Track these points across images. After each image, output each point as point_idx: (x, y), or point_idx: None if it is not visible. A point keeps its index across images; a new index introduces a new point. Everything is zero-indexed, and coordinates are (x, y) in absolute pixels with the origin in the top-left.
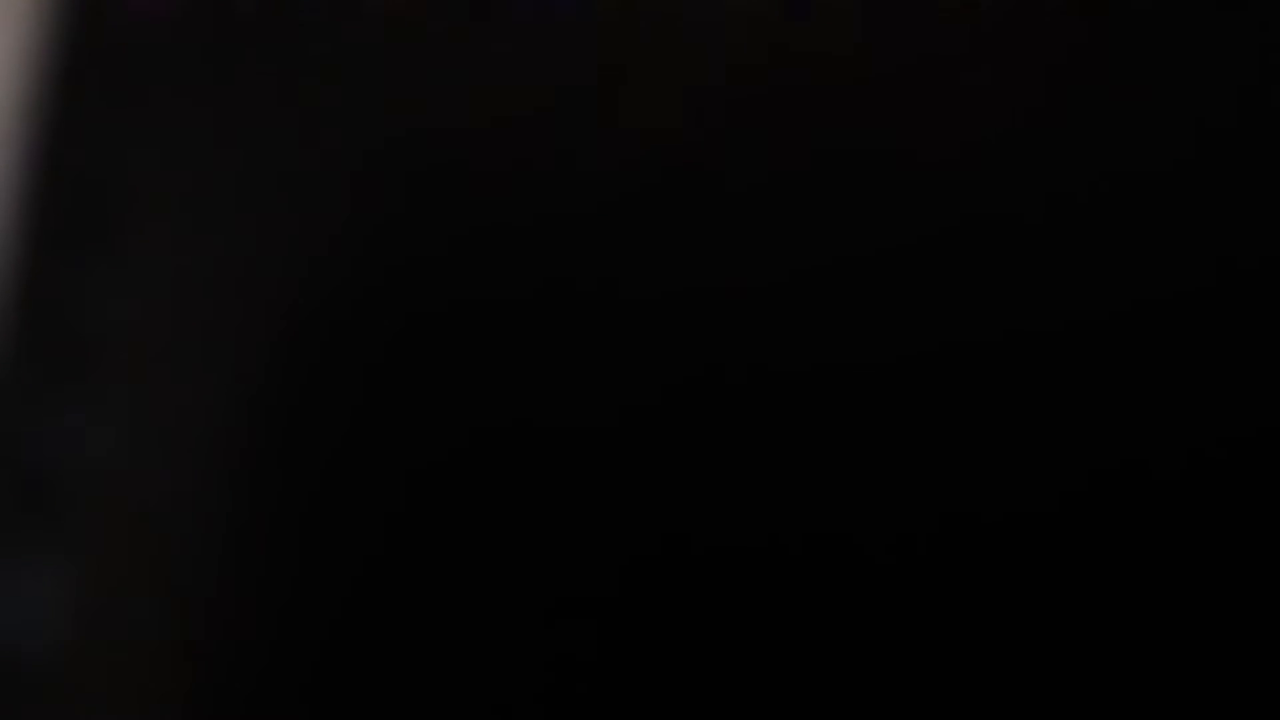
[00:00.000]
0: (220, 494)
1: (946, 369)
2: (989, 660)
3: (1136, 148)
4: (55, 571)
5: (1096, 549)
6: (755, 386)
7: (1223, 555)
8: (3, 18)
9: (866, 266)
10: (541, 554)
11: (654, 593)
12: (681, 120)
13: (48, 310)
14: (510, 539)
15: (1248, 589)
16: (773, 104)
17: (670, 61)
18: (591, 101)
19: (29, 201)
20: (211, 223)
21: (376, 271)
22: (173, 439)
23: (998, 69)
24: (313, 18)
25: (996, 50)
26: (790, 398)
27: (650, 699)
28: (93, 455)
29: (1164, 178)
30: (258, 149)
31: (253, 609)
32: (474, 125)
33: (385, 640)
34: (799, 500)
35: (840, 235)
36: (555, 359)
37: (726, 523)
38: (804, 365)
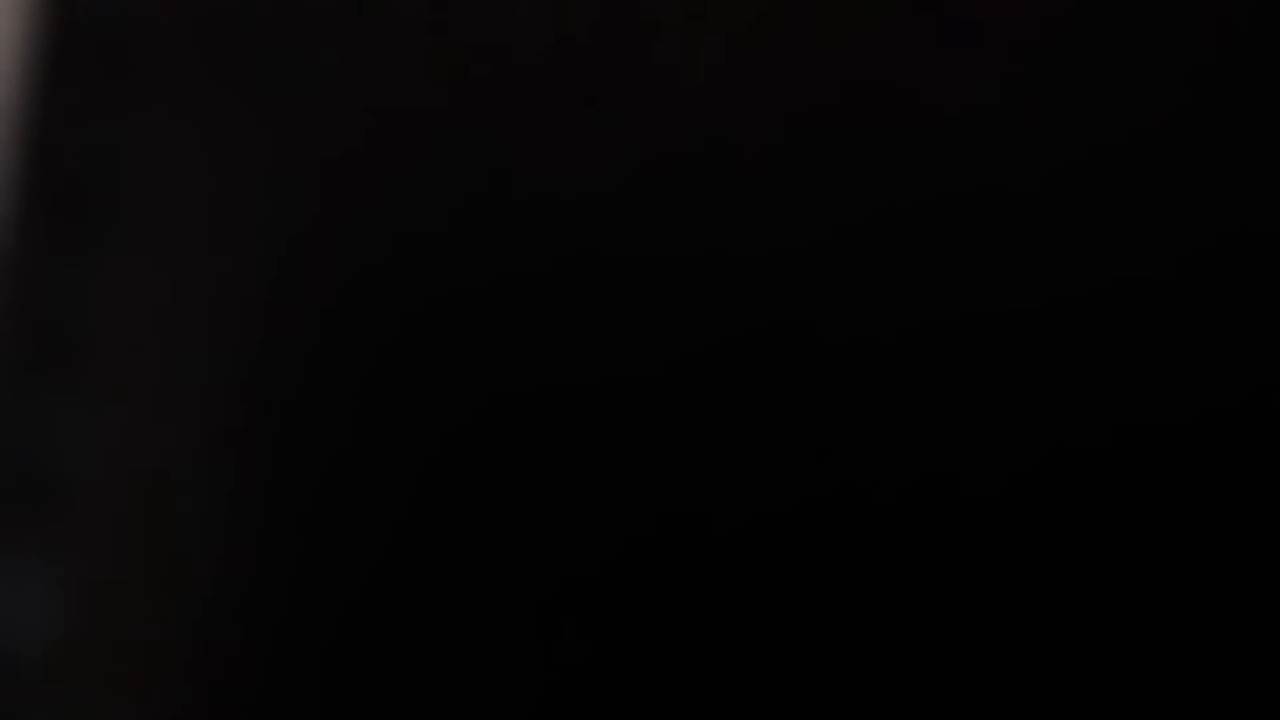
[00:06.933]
0: (219, 492)
1: (946, 348)
2: (1002, 649)
3: (1135, 130)
4: (53, 571)
5: (1105, 539)
6: (758, 370)
7: (1229, 537)
8: None
9: (884, 233)
10: (549, 547)
11: (672, 583)
12: (683, 105)
13: (44, 309)
14: (517, 532)
15: (1249, 569)
16: (779, 75)
17: (672, 43)
18: (599, 79)
19: (23, 200)
20: (209, 220)
21: (377, 265)
22: (172, 437)
23: (1003, 37)
24: (310, 13)
25: (1004, 23)
26: (797, 382)
27: (667, 695)
28: (91, 454)
29: (1162, 158)
30: (256, 145)
31: (252, 607)
32: (475, 111)
33: (389, 638)
34: (810, 480)
35: (849, 204)
36: (563, 341)
37: (737, 503)
38: (809, 345)
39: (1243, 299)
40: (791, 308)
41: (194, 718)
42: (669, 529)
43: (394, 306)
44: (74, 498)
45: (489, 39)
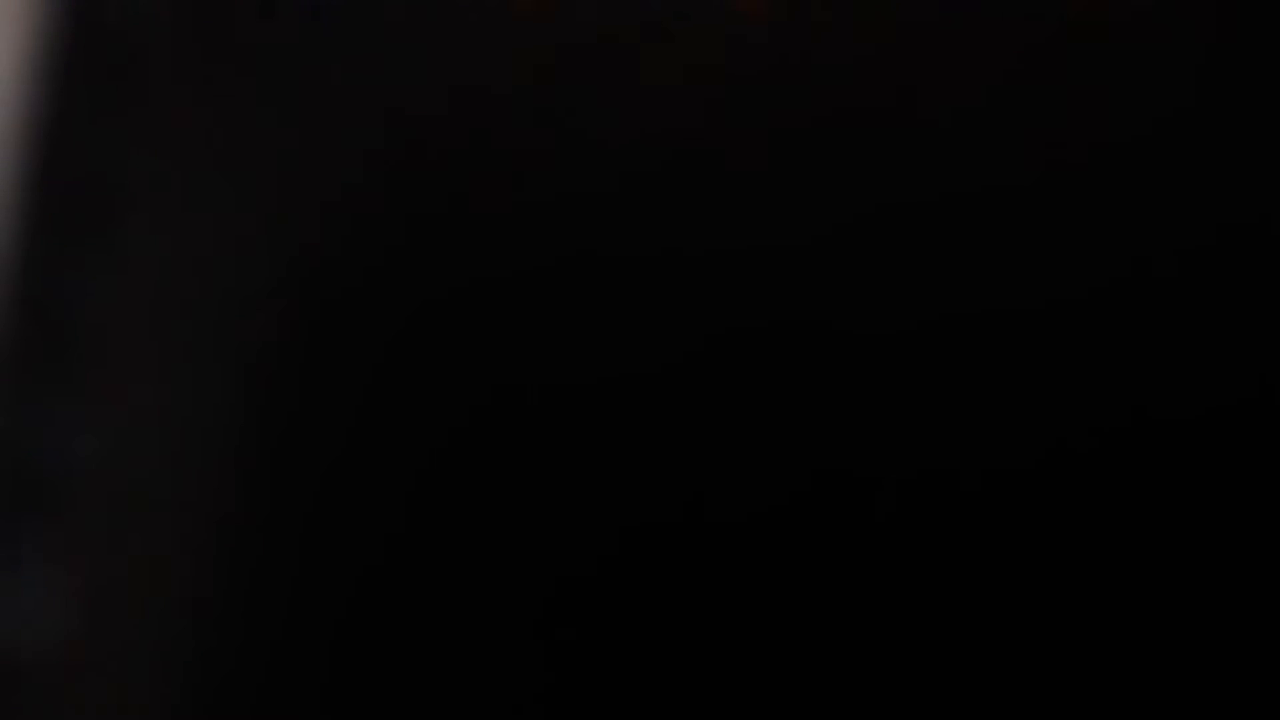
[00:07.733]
0: (220, 493)
1: (946, 347)
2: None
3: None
4: (54, 571)
5: (1112, 540)
6: (759, 370)
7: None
8: None
9: (886, 231)
10: (550, 546)
11: (673, 583)
12: (682, 102)
13: (45, 309)
14: (518, 532)
15: (1250, 570)
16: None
17: (670, 42)
18: (599, 75)
19: (26, 200)
20: (211, 221)
21: (378, 265)
22: (173, 437)
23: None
24: (313, 13)
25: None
26: (799, 381)
27: (669, 695)
28: (92, 454)
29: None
30: (259, 145)
31: (254, 607)
32: (475, 110)
33: (390, 639)
34: (813, 480)
35: (851, 203)
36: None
37: (740, 502)
38: (811, 345)
39: (1244, 299)
40: (793, 307)
41: (195, 718)
42: (670, 528)
43: (396, 306)
44: (76, 498)
45: (490, 39)
